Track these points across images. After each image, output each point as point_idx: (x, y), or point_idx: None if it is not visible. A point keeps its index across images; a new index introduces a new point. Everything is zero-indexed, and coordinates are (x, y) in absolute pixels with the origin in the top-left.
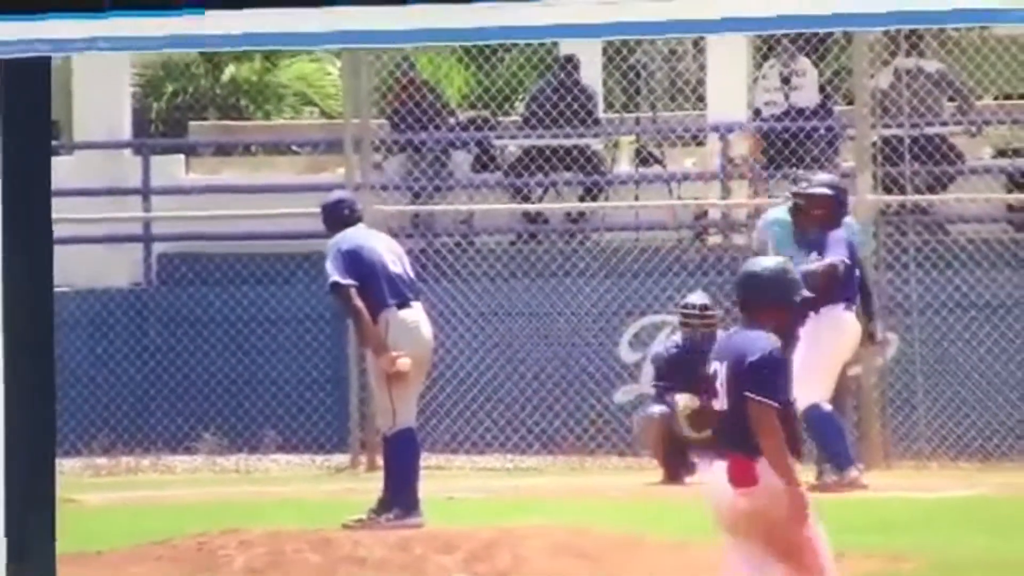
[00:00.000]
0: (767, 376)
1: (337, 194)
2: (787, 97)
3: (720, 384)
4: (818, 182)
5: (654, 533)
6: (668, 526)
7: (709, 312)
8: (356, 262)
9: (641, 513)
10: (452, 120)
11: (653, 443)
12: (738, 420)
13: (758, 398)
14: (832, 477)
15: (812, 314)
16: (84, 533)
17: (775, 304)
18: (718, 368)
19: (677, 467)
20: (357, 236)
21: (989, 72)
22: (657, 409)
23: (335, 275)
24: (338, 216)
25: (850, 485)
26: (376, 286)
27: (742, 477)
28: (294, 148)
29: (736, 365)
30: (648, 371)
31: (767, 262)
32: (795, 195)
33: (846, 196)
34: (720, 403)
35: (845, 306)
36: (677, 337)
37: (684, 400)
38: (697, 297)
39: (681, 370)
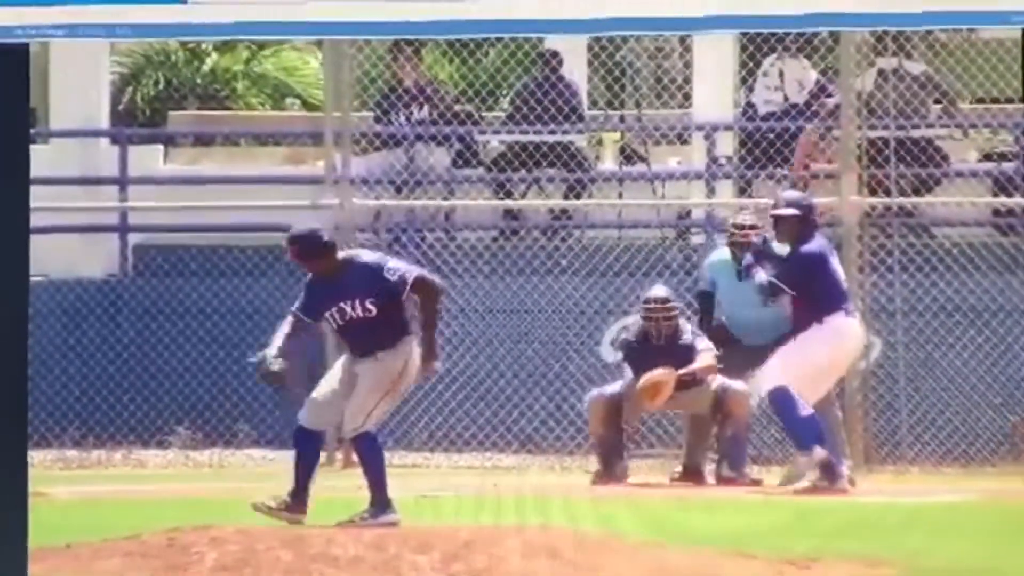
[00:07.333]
0: None
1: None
2: (786, 98)
3: None
4: (781, 201)
5: (632, 534)
6: (645, 527)
7: (670, 305)
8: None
9: (619, 514)
10: (443, 107)
11: (597, 424)
12: None
13: None
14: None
15: (816, 324)
16: (52, 526)
17: None
18: None
19: (613, 465)
20: None
21: (977, 75)
22: (609, 389)
23: (421, 271)
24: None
25: (806, 467)
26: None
27: None
28: (275, 139)
29: None
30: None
31: None
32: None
33: (810, 210)
34: None
35: (845, 313)
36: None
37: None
38: (658, 290)
39: (640, 360)
